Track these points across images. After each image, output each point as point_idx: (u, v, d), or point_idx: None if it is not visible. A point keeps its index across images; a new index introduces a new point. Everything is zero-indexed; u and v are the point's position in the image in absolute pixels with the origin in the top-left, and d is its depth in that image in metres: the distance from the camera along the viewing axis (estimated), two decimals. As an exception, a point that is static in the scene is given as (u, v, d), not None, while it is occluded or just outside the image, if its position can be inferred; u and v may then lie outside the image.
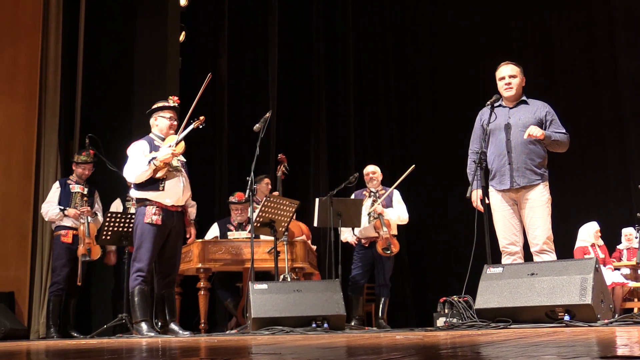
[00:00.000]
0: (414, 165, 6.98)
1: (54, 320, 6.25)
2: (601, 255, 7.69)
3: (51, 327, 6.25)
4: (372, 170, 7.04)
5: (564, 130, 4.77)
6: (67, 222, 6.33)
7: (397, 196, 7.00)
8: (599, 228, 7.81)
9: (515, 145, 4.71)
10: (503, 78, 4.86)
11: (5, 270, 6.83)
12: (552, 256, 4.62)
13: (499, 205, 4.77)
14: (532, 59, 8.98)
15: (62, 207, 6.34)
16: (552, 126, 4.75)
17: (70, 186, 6.43)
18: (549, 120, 4.76)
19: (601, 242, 7.87)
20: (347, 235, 6.94)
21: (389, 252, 6.71)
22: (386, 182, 7.24)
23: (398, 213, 6.93)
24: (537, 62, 8.98)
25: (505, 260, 4.70)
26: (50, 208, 6.36)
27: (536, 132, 4.59)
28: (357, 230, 6.84)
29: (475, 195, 4.74)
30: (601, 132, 8.65)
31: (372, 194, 6.93)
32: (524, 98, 4.87)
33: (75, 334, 6.26)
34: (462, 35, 9.57)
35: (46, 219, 6.45)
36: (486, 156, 4.84)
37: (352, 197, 6.97)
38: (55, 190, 6.42)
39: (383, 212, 6.77)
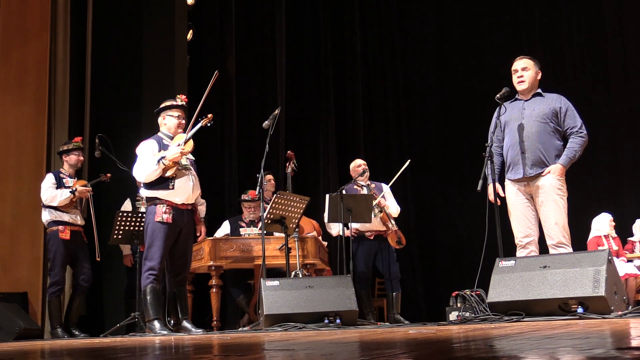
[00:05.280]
0: (409, 160, 6.95)
1: (58, 321, 6.06)
2: (614, 247, 7.66)
3: (57, 327, 6.05)
4: (364, 162, 6.99)
5: (579, 125, 4.70)
6: (65, 217, 6.08)
7: (388, 189, 6.97)
8: (612, 218, 7.80)
9: (528, 135, 4.69)
10: (516, 71, 4.86)
11: (18, 271, 6.88)
12: (568, 249, 4.57)
13: (514, 198, 4.75)
14: (541, 55, 8.91)
15: (72, 189, 6.04)
16: (567, 118, 4.70)
17: (64, 180, 6.17)
18: (563, 112, 4.71)
19: (615, 234, 7.85)
20: (338, 229, 6.59)
21: (401, 244, 6.71)
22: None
23: (395, 206, 6.94)
24: (547, 57, 8.91)
25: (519, 253, 4.68)
26: (57, 192, 6.03)
27: (555, 171, 4.58)
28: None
29: (490, 188, 4.74)
30: (613, 124, 8.59)
31: (364, 187, 6.86)
32: (539, 91, 4.84)
33: (77, 332, 6.08)
34: (469, 33, 9.52)
35: (55, 204, 6.02)
36: (501, 149, 4.85)
37: (343, 192, 6.87)
38: (50, 178, 6.13)
39: (387, 205, 6.75)
